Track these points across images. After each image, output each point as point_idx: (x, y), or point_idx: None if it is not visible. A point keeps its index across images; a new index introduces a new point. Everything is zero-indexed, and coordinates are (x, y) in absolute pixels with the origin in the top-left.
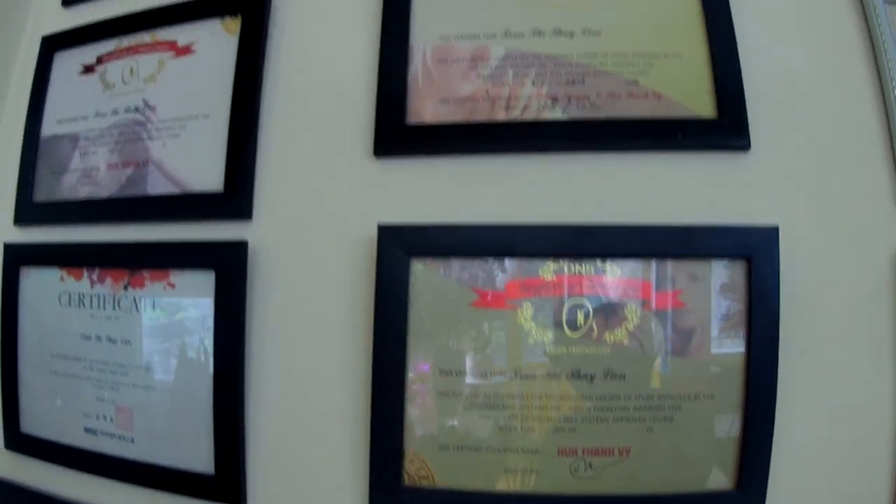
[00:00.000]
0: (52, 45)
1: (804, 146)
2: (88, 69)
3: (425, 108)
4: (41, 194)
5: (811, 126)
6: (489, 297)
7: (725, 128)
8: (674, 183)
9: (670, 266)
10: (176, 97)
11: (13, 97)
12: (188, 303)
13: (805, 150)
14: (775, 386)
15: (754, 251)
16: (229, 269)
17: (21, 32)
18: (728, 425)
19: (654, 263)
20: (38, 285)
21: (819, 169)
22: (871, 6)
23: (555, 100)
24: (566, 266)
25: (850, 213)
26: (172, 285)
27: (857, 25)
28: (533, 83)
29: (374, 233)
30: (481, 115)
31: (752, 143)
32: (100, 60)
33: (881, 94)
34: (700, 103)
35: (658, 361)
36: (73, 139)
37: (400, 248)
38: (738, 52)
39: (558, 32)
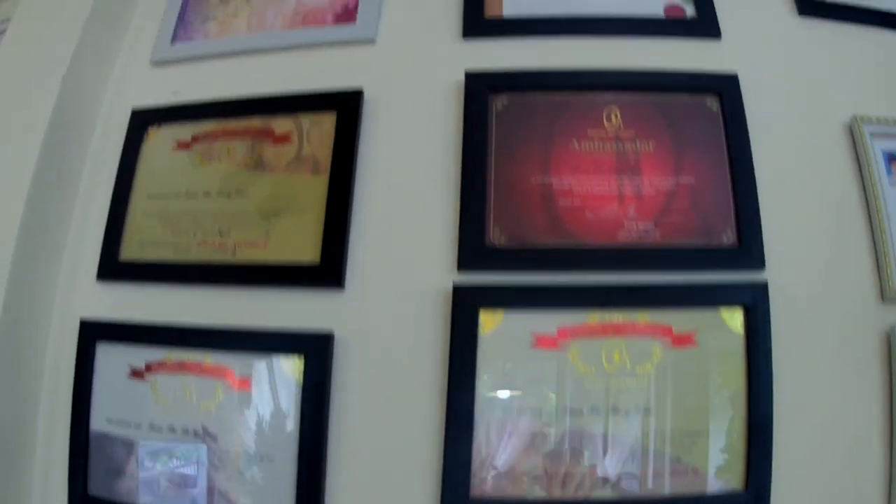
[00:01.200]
0: (93, 333)
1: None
2: (137, 374)
3: (487, 480)
4: (96, 488)
5: (820, 475)
6: None
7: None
8: None
9: None
10: (238, 432)
11: (50, 375)
12: None
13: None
14: None
15: None
16: None
17: (51, 303)
18: None
19: None
20: None
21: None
22: None
23: (606, 480)
24: None
25: None
26: None
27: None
28: (587, 461)
29: None
30: (539, 491)
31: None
32: (149, 368)
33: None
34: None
35: None
36: (128, 445)
37: None
38: (773, 424)
39: (615, 410)
